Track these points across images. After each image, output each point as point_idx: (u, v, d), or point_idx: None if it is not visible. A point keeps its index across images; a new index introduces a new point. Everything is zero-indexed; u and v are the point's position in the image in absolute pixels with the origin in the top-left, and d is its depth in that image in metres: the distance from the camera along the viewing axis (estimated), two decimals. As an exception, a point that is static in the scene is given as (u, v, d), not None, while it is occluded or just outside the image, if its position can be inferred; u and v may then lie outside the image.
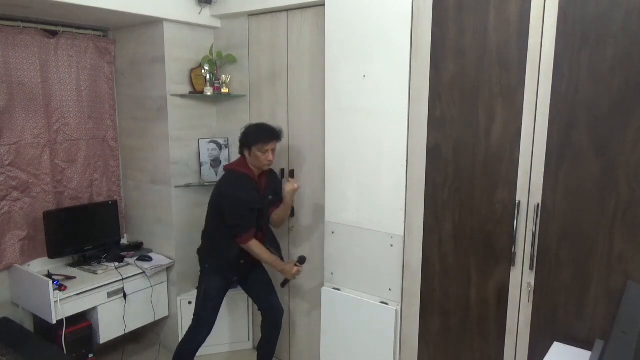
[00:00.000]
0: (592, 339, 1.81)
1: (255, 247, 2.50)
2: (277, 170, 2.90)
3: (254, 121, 2.99)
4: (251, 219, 2.48)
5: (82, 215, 3.00)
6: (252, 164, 2.51)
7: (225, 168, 2.65)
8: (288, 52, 2.78)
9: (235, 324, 3.18)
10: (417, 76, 2.15)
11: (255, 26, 2.91)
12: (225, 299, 2.72)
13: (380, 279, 2.37)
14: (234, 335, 2.99)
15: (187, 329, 2.67)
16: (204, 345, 2.64)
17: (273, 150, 2.49)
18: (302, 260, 2.58)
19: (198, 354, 2.67)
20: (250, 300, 3.15)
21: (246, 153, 2.50)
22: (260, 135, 2.46)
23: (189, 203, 3.10)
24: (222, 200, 2.48)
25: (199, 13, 2.95)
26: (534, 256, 1.94)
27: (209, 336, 2.66)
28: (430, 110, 2.14)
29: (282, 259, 2.67)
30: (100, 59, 3.13)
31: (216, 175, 3.08)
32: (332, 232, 2.52)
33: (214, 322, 2.66)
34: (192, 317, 2.66)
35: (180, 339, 2.77)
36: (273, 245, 2.68)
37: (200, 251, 2.68)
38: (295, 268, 2.54)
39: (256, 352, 2.82)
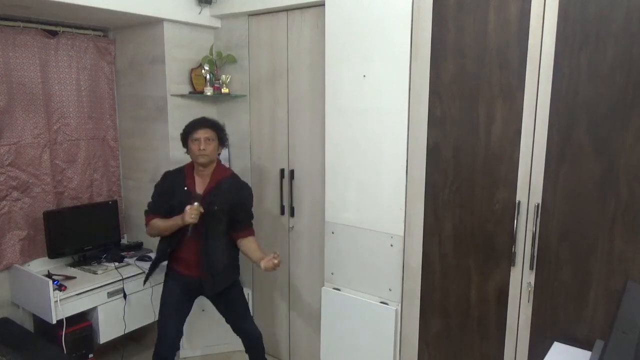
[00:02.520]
0: (592, 339, 1.81)
1: (153, 222, 2.38)
2: (277, 170, 2.91)
3: (254, 121, 3.01)
4: (161, 208, 2.38)
5: (82, 215, 3.00)
6: (193, 159, 2.40)
7: None
8: (288, 52, 2.78)
9: (235, 324, 3.18)
10: (417, 76, 2.15)
11: (255, 26, 2.91)
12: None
13: (380, 279, 2.37)
14: (234, 335, 2.97)
15: None
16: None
17: (208, 140, 2.33)
18: (195, 199, 2.27)
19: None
20: (250, 299, 3.15)
21: (187, 150, 2.42)
22: (189, 124, 2.40)
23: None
24: None
25: (199, 13, 2.95)
26: (534, 256, 1.94)
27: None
28: (430, 110, 2.14)
29: (212, 273, 2.38)
30: (100, 59, 3.13)
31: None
32: (332, 232, 2.52)
33: (173, 335, 2.45)
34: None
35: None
36: (213, 258, 2.38)
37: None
38: (187, 207, 2.24)
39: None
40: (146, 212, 2.46)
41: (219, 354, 3.14)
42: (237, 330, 2.58)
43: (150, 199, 2.48)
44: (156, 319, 3.07)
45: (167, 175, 2.48)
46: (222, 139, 2.45)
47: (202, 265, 2.37)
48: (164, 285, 2.52)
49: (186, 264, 2.42)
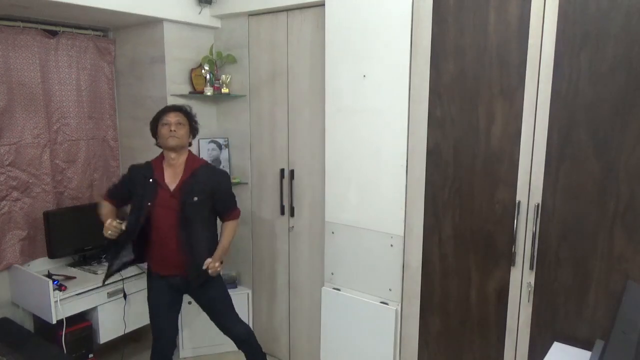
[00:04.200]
0: (592, 339, 1.81)
1: (102, 204, 2.40)
2: (277, 170, 2.90)
3: (254, 121, 3.01)
4: (116, 191, 2.42)
5: (82, 215, 3.00)
6: (164, 152, 2.31)
7: None
8: (288, 52, 2.78)
9: (235, 324, 3.18)
10: (417, 76, 2.15)
11: (255, 26, 2.91)
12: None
13: (380, 279, 2.37)
14: (234, 335, 2.97)
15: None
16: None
17: (179, 125, 2.26)
18: (122, 218, 2.29)
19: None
20: (250, 299, 3.15)
21: (157, 139, 2.35)
22: (159, 111, 2.34)
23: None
24: None
25: (199, 13, 2.95)
26: (534, 256, 1.94)
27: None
28: (430, 110, 2.14)
29: (196, 267, 2.28)
30: (100, 59, 3.13)
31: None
32: (332, 232, 2.52)
33: (166, 334, 2.42)
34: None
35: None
36: (195, 250, 2.28)
37: None
38: (109, 221, 2.23)
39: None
40: (104, 195, 2.50)
41: (218, 354, 3.14)
42: (223, 329, 2.51)
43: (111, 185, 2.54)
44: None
45: (132, 168, 2.41)
46: (192, 127, 2.37)
47: (186, 262, 2.27)
48: (148, 285, 2.45)
49: (164, 264, 2.33)
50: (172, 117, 2.27)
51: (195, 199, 2.25)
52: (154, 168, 2.31)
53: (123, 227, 2.25)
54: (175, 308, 2.47)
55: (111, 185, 2.57)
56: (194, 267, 2.27)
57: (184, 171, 2.30)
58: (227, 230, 2.40)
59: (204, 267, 2.25)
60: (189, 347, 3.11)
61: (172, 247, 2.27)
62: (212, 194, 2.32)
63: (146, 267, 2.48)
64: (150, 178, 2.28)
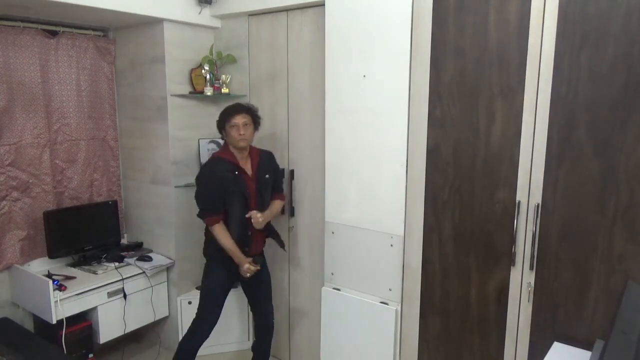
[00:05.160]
0: (592, 339, 1.81)
1: (218, 232, 2.47)
2: (277, 170, 2.91)
3: (254, 121, 3.02)
4: (216, 201, 2.45)
5: (82, 215, 3.00)
6: (232, 147, 2.49)
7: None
8: (288, 52, 2.78)
9: (235, 323, 3.18)
10: (417, 76, 2.15)
11: (255, 26, 2.91)
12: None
13: (380, 279, 2.37)
14: (234, 335, 2.98)
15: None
16: (204, 345, 2.63)
17: (245, 125, 2.45)
18: (257, 260, 2.55)
19: (199, 353, 2.66)
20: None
21: (224, 136, 2.52)
22: (225, 111, 2.49)
23: (189, 203, 3.07)
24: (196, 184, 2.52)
25: (199, 13, 2.95)
26: (534, 256, 1.94)
27: (210, 336, 2.64)
28: (430, 110, 2.14)
29: (282, 245, 2.70)
30: (100, 59, 3.13)
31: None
32: (332, 232, 2.52)
33: (216, 318, 2.61)
34: (192, 317, 2.64)
35: (180, 339, 2.76)
36: (272, 232, 2.67)
37: (204, 244, 2.67)
38: (247, 265, 2.49)
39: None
40: (202, 213, 2.49)
41: (219, 354, 3.14)
42: (257, 310, 2.72)
43: (197, 196, 2.50)
44: (156, 318, 3.08)
45: (215, 169, 2.48)
46: (256, 123, 2.55)
47: (257, 239, 2.56)
48: (212, 272, 2.58)
49: (246, 244, 2.52)
50: (239, 119, 2.44)
51: (267, 176, 2.57)
52: (232, 161, 2.49)
53: (259, 267, 2.56)
54: (227, 295, 2.66)
55: (203, 201, 2.49)
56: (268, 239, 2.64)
57: (253, 157, 2.56)
58: (275, 205, 2.65)
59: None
60: (189, 347, 3.11)
61: (246, 230, 2.51)
62: (274, 173, 2.63)
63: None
64: (236, 171, 2.47)
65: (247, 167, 2.52)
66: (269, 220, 2.61)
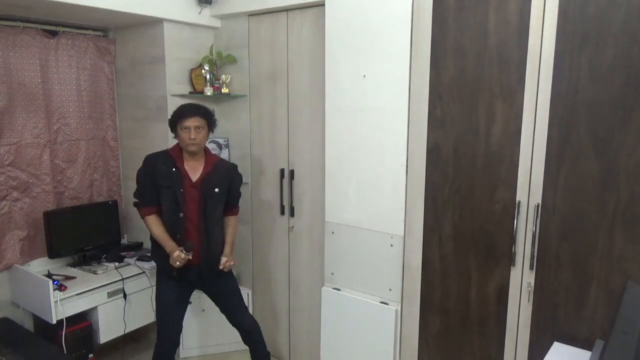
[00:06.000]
0: (592, 339, 1.81)
1: (150, 223, 2.37)
2: (277, 170, 2.91)
3: (254, 121, 3.01)
4: (147, 193, 2.35)
5: (82, 215, 3.00)
6: (182, 147, 2.36)
7: None
8: (288, 52, 2.78)
9: (235, 324, 3.18)
10: (417, 76, 2.15)
11: (255, 26, 2.91)
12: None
13: (380, 279, 2.37)
14: (234, 335, 2.97)
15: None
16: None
17: (198, 129, 2.31)
18: (188, 248, 2.30)
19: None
20: (250, 299, 3.15)
21: (175, 136, 2.40)
22: (179, 110, 2.35)
23: (189, 203, 3.09)
24: None
25: (199, 13, 2.95)
26: (534, 256, 1.94)
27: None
28: (430, 110, 2.14)
29: (213, 257, 2.42)
30: (100, 59, 3.13)
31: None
32: (332, 232, 2.52)
33: (177, 334, 2.45)
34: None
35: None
36: (212, 241, 2.42)
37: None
38: (177, 253, 2.28)
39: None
40: (137, 204, 2.44)
41: (218, 354, 3.14)
42: (233, 320, 2.57)
43: (137, 188, 2.44)
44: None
45: (149, 158, 2.40)
46: (211, 125, 2.43)
47: (202, 250, 2.37)
48: (159, 283, 2.47)
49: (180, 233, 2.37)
50: (191, 122, 2.31)
51: (217, 190, 2.38)
52: (174, 157, 2.36)
53: (190, 257, 2.32)
54: (183, 307, 2.52)
55: (138, 194, 2.41)
56: (211, 257, 2.39)
57: (206, 164, 2.40)
58: (231, 226, 2.55)
59: (220, 267, 2.38)
60: (190, 347, 3.11)
61: (193, 239, 2.35)
62: (229, 187, 2.46)
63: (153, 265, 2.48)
64: (173, 167, 2.33)
65: (193, 172, 2.37)
66: (234, 246, 2.54)
